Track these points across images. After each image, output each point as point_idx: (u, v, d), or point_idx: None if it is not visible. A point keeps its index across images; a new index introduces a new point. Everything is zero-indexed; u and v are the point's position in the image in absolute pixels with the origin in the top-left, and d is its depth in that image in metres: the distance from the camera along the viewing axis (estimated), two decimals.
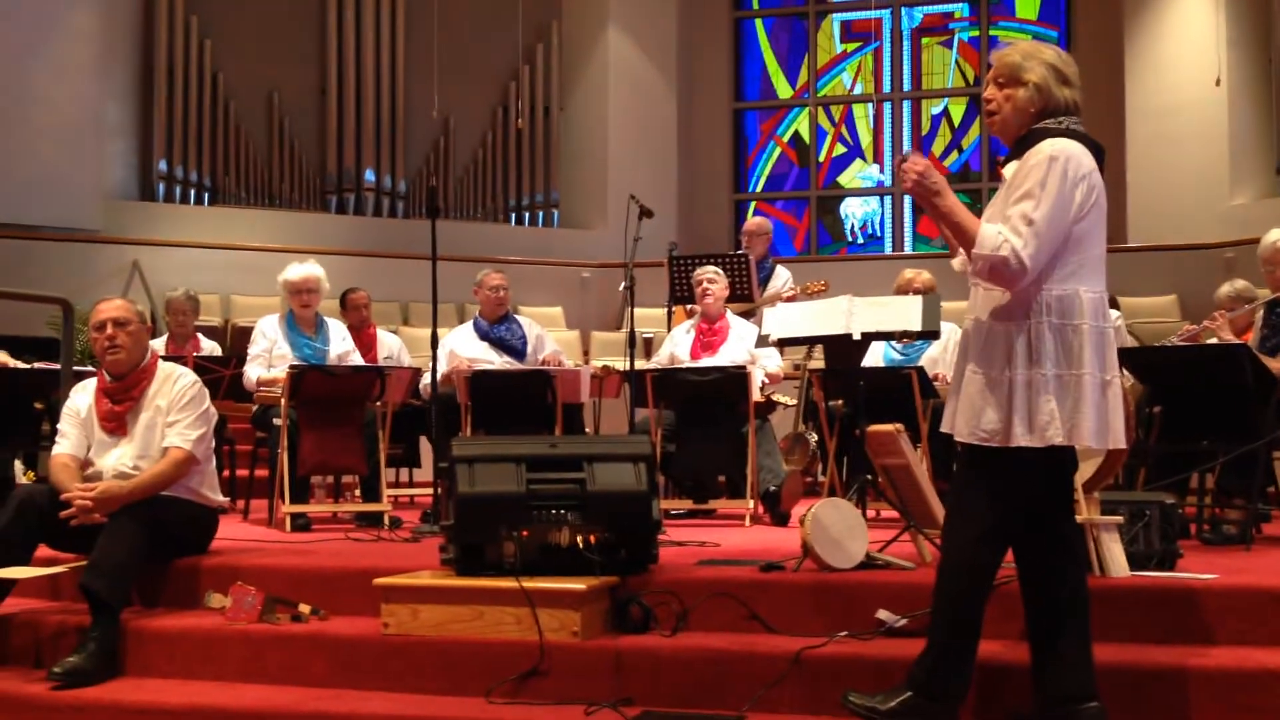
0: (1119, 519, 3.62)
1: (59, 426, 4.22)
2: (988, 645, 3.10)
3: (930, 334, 4.96)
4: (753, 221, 8.02)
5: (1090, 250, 2.90)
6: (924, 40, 13.12)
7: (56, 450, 4.15)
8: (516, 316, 6.58)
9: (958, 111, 12.99)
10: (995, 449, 2.87)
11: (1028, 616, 3.02)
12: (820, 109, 13.29)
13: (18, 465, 5.71)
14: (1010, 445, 2.85)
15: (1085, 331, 2.85)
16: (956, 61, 13.04)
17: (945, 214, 2.90)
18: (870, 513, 5.14)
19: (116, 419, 4.15)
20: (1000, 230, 2.83)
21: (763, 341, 5.43)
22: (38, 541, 3.96)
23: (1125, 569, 3.54)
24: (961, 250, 2.98)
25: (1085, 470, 3.51)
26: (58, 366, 5.08)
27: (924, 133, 13.04)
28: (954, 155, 12.99)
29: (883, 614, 3.45)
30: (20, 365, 5.31)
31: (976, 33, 12.92)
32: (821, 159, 13.30)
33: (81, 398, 4.23)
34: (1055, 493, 3.00)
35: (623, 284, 5.94)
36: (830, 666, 3.26)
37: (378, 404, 5.64)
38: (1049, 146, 2.86)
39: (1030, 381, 2.84)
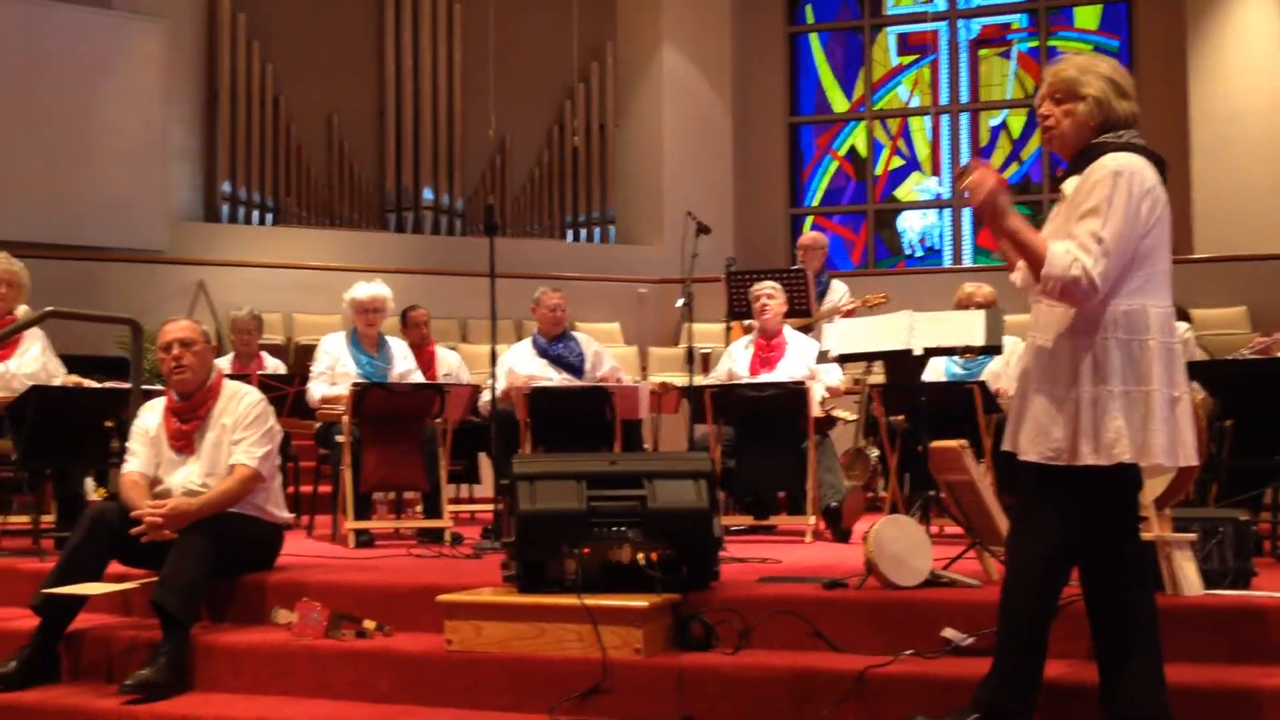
0: (1191, 536, 3.55)
1: (128, 445, 4.30)
2: (1054, 665, 3.06)
3: (993, 349, 4.91)
4: (808, 235, 7.99)
5: (1156, 265, 2.86)
6: (982, 52, 13.01)
7: (126, 468, 4.23)
8: (574, 333, 6.59)
9: (1017, 123, 12.86)
10: (1061, 467, 2.83)
11: (1094, 637, 2.97)
12: (877, 122, 13.23)
13: (89, 482, 5.83)
14: (1077, 464, 2.81)
15: (1153, 347, 2.81)
16: (1015, 73, 12.91)
17: (1011, 234, 2.87)
18: (933, 529, 5.09)
19: (184, 437, 4.22)
20: (1069, 249, 2.79)
21: (823, 357, 5.41)
22: (109, 558, 4.03)
23: (1198, 587, 3.47)
24: (1021, 266, 2.95)
25: (1156, 487, 3.45)
26: (127, 385, 5.17)
27: (982, 145, 12.92)
28: (1014, 167, 12.85)
29: (949, 632, 3.42)
30: (93, 385, 5.41)
31: (1035, 43, 12.79)
32: (878, 172, 13.23)
33: (150, 416, 4.30)
34: (1122, 511, 2.95)
35: (680, 300, 5.94)
36: (895, 686, 3.24)
37: (437, 421, 5.69)
38: (1111, 161, 2.82)
39: (1097, 399, 2.79)
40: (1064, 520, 2.87)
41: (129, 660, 3.82)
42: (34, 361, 5.39)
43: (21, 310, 5.53)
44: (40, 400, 4.81)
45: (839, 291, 7.66)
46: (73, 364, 5.71)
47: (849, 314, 7.40)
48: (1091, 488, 2.84)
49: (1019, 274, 3.01)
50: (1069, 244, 2.80)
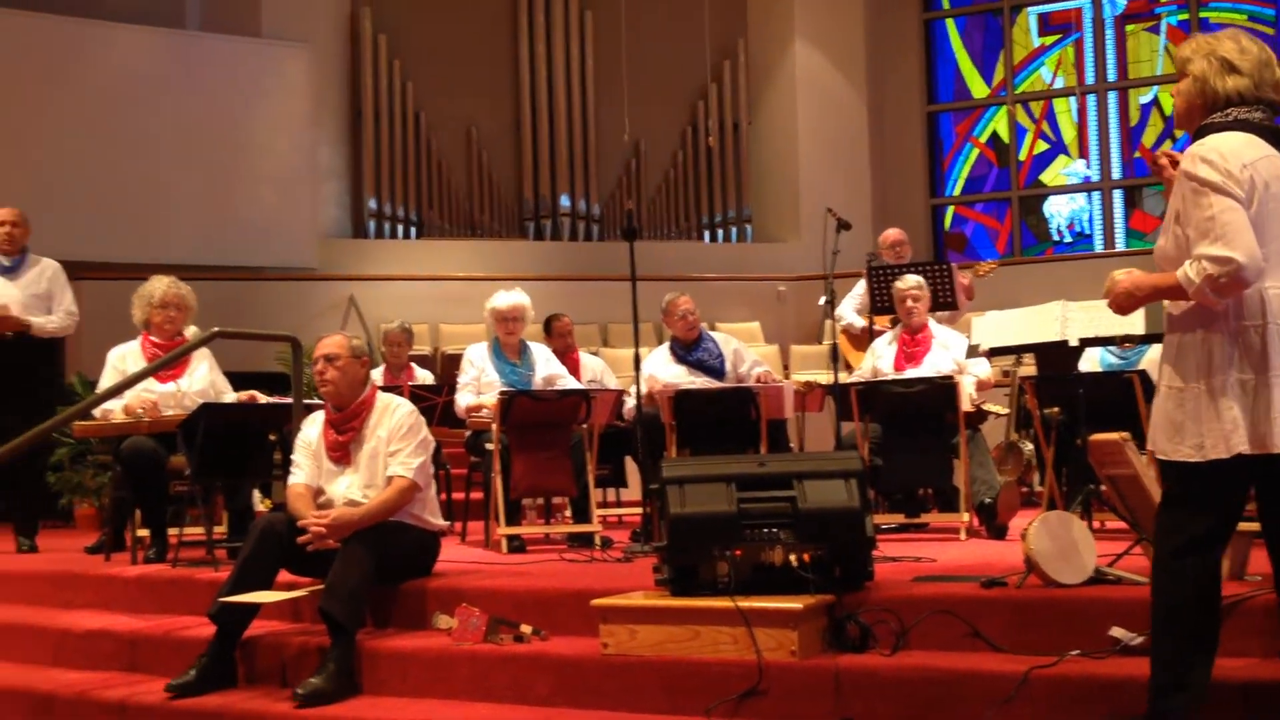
0: None
1: (293, 458, 4.46)
2: (1233, 663, 2.93)
3: (1154, 337, 4.73)
4: (892, 233, 7.85)
5: (1269, 245, 2.76)
6: (1129, 27, 12.53)
7: (292, 480, 4.39)
8: (710, 334, 6.57)
9: (1169, 100, 12.34)
10: (1192, 463, 2.78)
11: None
12: (1019, 106, 12.87)
13: (255, 494, 6.07)
14: (1199, 459, 2.76)
15: (1271, 332, 2.74)
16: (1165, 47, 12.41)
17: (1151, 296, 2.91)
18: (1094, 524, 4.93)
19: (341, 449, 4.36)
20: (1187, 262, 2.76)
21: (973, 352, 5.29)
22: (279, 567, 4.19)
23: None
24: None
25: None
26: (288, 400, 5.37)
27: (1133, 124, 12.45)
28: (1167, 145, 12.35)
29: (1116, 631, 3.30)
30: (267, 399, 5.63)
31: (1186, 15, 12.27)
32: (1022, 157, 12.87)
33: (311, 429, 4.46)
34: (1271, 501, 2.84)
35: (822, 298, 5.89)
36: (1062, 687, 3.14)
37: (584, 426, 5.75)
38: (1197, 147, 2.82)
39: (1214, 390, 2.76)
40: (1195, 515, 2.81)
41: (301, 665, 3.96)
42: (203, 380, 5.65)
43: (190, 331, 5.80)
44: (209, 417, 5.03)
45: None
46: (235, 381, 5.96)
47: (966, 287, 7.27)
48: (1221, 482, 2.77)
49: None
50: (1188, 261, 2.77)
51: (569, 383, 6.19)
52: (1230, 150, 2.77)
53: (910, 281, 6.23)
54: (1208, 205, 2.73)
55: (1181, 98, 2.93)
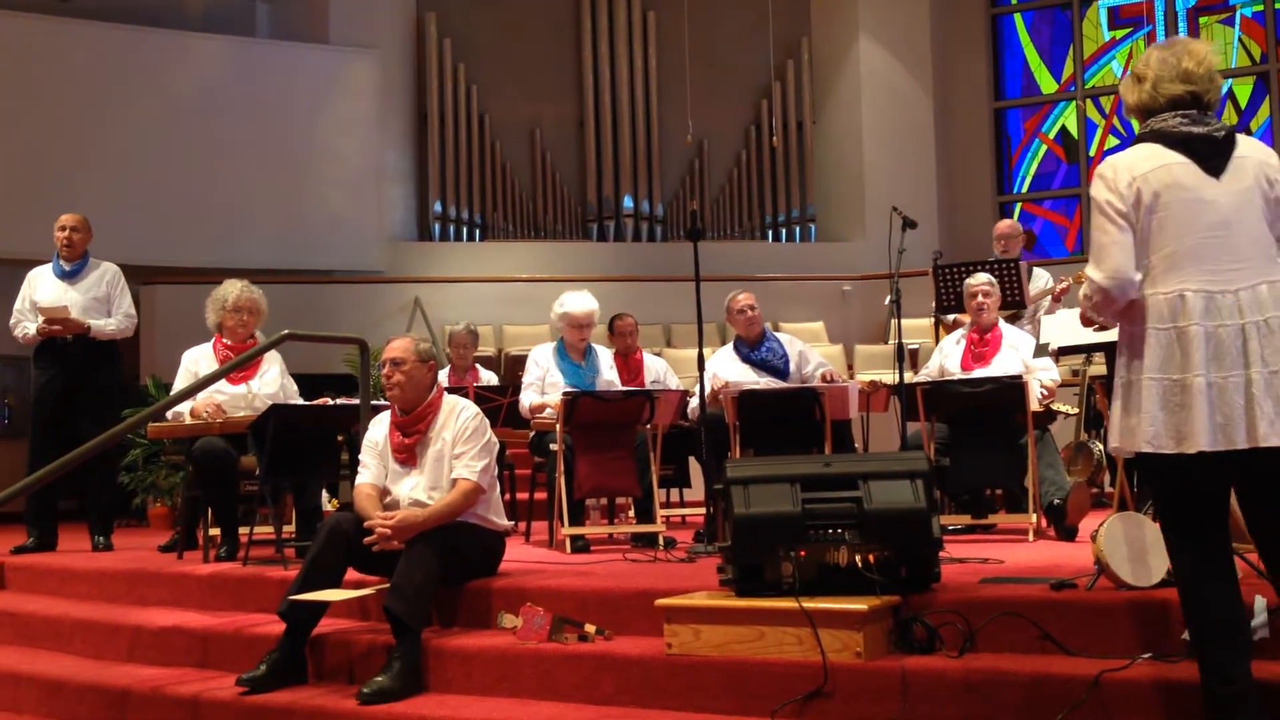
0: None
1: (360, 458, 4.51)
2: None
3: None
4: (1006, 224, 7.75)
5: (1159, 250, 2.83)
6: (1202, 20, 12.28)
7: (359, 481, 4.43)
8: (775, 334, 6.54)
9: (1243, 92, 12.08)
10: (1135, 456, 2.91)
11: None
12: (1089, 101, 12.66)
13: (324, 494, 6.15)
14: (1115, 453, 2.98)
15: (1147, 335, 2.83)
16: (1240, 39, 12.14)
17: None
18: None
19: (407, 450, 4.39)
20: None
21: (1042, 351, 5.21)
22: (346, 566, 4.24)
23: None
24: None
25: None
26: (356, 401, 5.43)
27: None
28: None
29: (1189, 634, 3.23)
30: (345, 402, 5.70)
31: (1261, 6, 11.98)
32: (1092, 153, 12.66)
33: (378, 430, 4.51)
34: (1200, 496, 2.87)
35: (888, 298, 5.83)
36: (1134, 690, 3.09)
37: (647, 426, 5.75)
38: (1101, 163, 2.95)
39: (1116, 389, 2.94)
40: (1164, 508, 2.93)
41: (368, 663, 4.01)
42: (273, 382, 5.74)
43: (260, 334, 5.90)
44: (279, 418, 5.10)
45: (1042, 278, 7.39)
46: (303, 382, 6.04)
47: (1062, 294, 7.14)
48: (1149, 473, 3.02)
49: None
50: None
51: None
52: (1126, 164, 2.87)
53: (981, 279, 6.15)
54: (1094, 225, 2.90)
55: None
